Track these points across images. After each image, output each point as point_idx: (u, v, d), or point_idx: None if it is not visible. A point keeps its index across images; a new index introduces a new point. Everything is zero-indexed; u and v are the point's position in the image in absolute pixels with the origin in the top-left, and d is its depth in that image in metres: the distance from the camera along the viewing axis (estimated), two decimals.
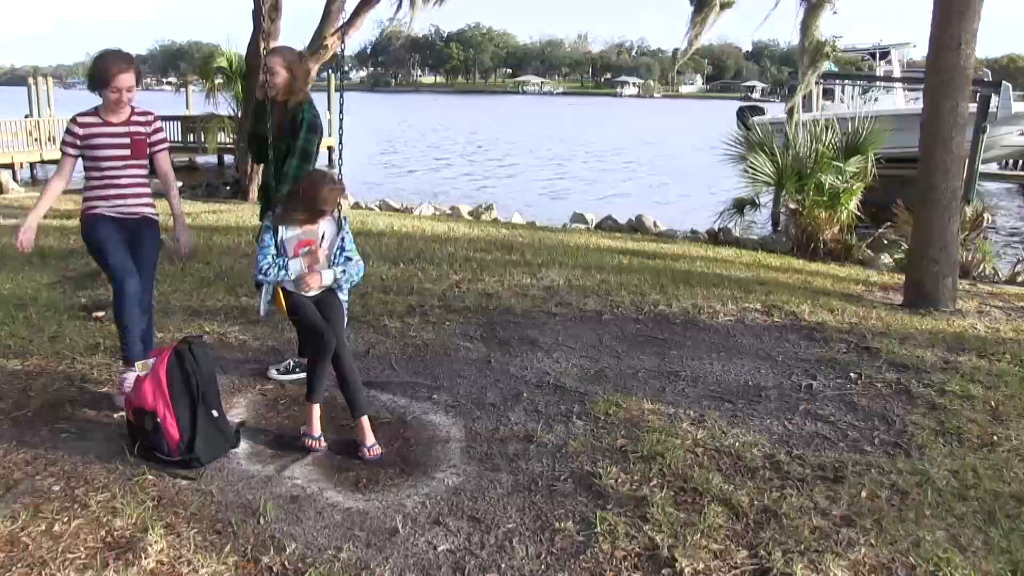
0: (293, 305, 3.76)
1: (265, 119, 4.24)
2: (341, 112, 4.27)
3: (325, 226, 3.84)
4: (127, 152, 3.97)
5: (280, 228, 3.73)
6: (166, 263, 7.11)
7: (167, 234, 4.41)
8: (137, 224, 4.06)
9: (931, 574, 2.88)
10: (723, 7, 12.19)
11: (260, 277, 3.71)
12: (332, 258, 3.89)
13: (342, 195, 3.83)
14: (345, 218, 3.98)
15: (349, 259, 3.90)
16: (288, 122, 4.23)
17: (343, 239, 3.90)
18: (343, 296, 4.03)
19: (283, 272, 3.71)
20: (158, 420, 3.37)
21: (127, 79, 3.85)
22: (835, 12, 12.66)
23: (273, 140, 4.24)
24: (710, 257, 9.25)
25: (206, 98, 15.45)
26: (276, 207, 3.90)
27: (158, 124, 4.13)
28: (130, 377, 3.90)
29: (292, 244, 3.75)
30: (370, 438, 3.77)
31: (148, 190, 4.11)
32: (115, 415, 3.95)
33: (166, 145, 4.18)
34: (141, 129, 4.02)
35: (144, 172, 4.09)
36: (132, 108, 4.00)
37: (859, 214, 10.24)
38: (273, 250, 3.71)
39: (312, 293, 3.84)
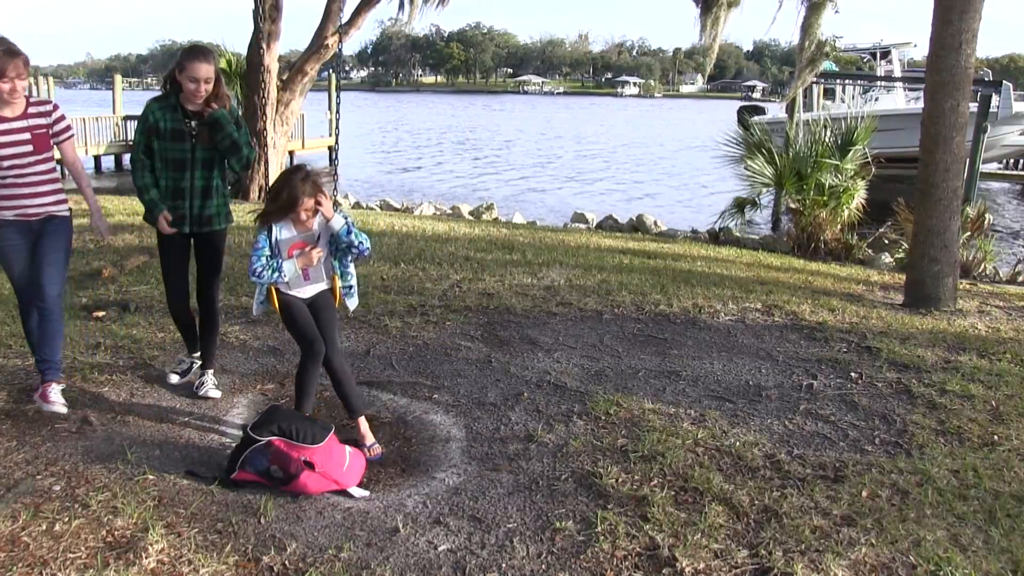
0: (285, 306, 3.73)
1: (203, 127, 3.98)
2: (337, 112, 4.19)
3: (319, 226, 3.77)
4: (29, 148, 3.74)
5: (274, 229, 3.67)
6: None
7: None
8: (42, 224, 3.88)
9: (932, 573, 2.87)
10: (730, 6, 12.20)
11: (254, 279, 3.67)
12: (331, 250, 3.82)
13: (321, 189, 3.69)
14: (339, 208, 3.85)
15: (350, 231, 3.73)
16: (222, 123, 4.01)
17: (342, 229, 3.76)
18: (351, 303, 3.99)
19: (277, 274, 3.66)
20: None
21: (16, 66, 3.60)
22: (837, 11, 12.68)
23: (201, 144, 4.01)
24: (711, 257, 9.25)
25: None
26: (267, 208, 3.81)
27: (59, 113, 3.89)
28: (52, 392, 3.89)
29: (287, 246, 3.69)
30: (370, 437, 3.77)
31: (58, 186, 3.91)
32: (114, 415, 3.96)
33: (71, 134, 3.95)
34: (41, 121, 3.78)
35: (52, 166, 3.88)
36: (27, 99, 3.76)
37: (862, 210, 10.24)
38: (267, 251, 3.65)
39: (307, 293, 3.80)
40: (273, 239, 3.67)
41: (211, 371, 4.41)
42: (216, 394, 4.30)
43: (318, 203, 3.65)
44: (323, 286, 3.86)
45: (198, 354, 4.48)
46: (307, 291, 3.80)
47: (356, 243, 3.72)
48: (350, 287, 3.94)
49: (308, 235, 3.74)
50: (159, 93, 4.05)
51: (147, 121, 3.97)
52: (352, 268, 3.94)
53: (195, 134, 3.97)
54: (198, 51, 3.94)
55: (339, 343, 3.81)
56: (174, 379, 4.43)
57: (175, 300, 4.33)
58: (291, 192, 3.57)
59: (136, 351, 4.87)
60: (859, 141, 10.29)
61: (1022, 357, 5.38)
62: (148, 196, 4.06)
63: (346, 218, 3.75)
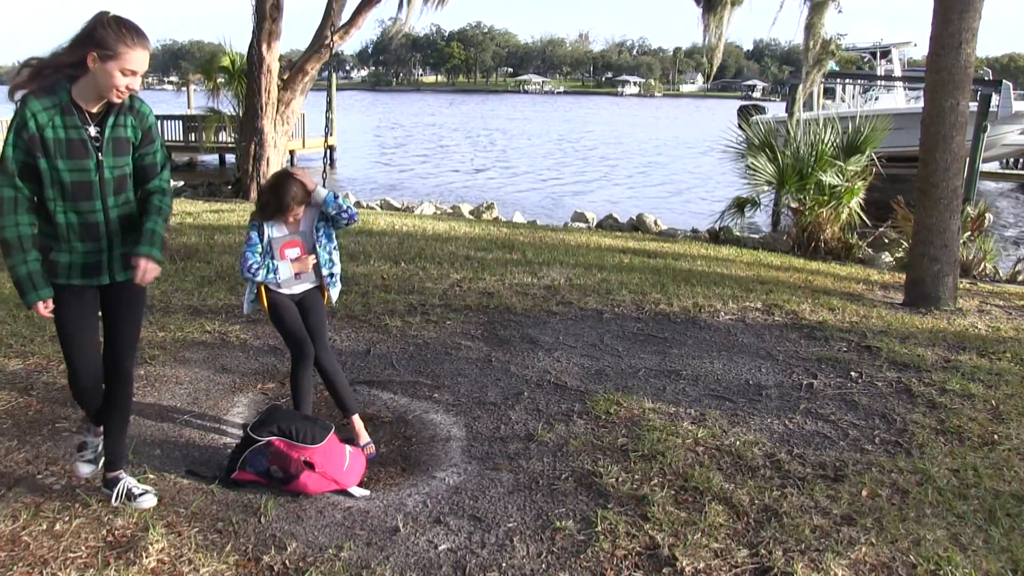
0: (273, 305, 3.69)
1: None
2: (329, 112, 4.09)
3: (308, 221, 3.71)
4: None
5: (266, 227, 3.63)
6: (167, 262, 7.12)
7: None
8: None
9: (932, 573, 2.88)
10: (733, 4, 12.20)
11: (247, 276, 3.61)
12: (320, 225, 3.73)
13: (303, 185, 3.59)
14: (333, 195, 3.72)
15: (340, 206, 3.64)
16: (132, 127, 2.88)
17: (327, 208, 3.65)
18: (335, 293, 3.88)
19: (272, 275, 3.63)
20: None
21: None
22: (840, 11, 12.67)
23: (110, 157, 2.81)
24: (711, 256, 9.25)
25: (208, 98, 15.48)
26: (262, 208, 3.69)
27: None
28: None
29: (279, 245, 3.66)
30: (364, 436, 3.76)
31: None
32: None
33: None
34: None
35: None
36: None
37: (862, 215, 10.23)
38: (260, 248, 3.62)
39: (296, 291, 3.75)
40: (265, 238, 3.63)
41: (123, 472, 3.15)
42: (152, 502, 3.09)
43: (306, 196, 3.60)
44: (312, 284, 3.81)
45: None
46: (296, 289, 3.76)
47: (344, 207, 3.66)
48: (332, 275, 3.84)
49: (300, 233, 3.70)
50: (46, 85, 2.68)
51: (26, 129, 2.64)
52: (336, 256, 3.85)
53: (99, 145, 2.77)
54: (138, 29, 2.70)
55: (328, 343, 3.79)
56: (87, 470, 3.24)
57: (88, 379, 2.99)
58: (279, 197, 3.53)
59: None
60: (867, 146, 10.23)
61: (1022, 356, 5.38)
62: (26, 267, 2.72)
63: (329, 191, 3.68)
